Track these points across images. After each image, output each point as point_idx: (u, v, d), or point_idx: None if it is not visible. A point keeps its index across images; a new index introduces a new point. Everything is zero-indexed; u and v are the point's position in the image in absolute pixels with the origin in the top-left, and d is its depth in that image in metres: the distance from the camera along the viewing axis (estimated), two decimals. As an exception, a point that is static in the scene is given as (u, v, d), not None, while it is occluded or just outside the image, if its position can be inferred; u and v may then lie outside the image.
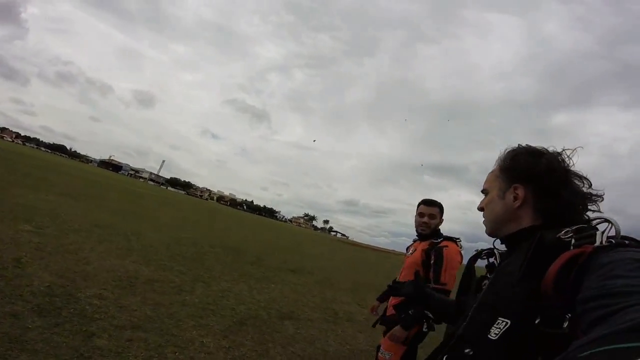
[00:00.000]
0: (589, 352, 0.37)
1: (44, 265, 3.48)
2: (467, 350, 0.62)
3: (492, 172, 0.91)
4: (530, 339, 0.58)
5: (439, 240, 2.11)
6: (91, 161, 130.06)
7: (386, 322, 2.13)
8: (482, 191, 0.93)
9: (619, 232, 0.60)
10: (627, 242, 0.59)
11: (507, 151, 0.88)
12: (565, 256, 0.58)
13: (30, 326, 2.26)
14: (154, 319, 2.97)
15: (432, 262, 2.01)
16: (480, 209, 0.94)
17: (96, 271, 3.84)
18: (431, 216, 2.17)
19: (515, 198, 0.80)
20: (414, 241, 2.31)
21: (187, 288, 4.22)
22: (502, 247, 0.95)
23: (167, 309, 3.29)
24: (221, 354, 2.70)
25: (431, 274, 2.00)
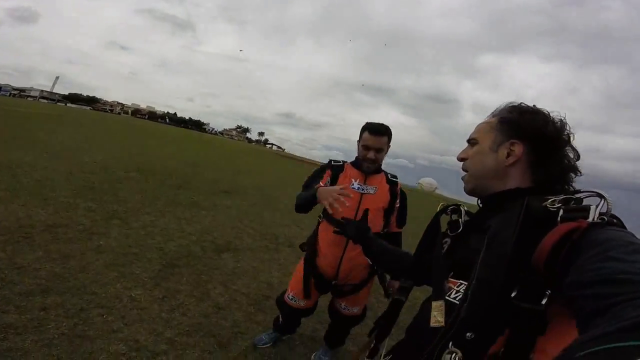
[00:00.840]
0: (590, 349, 0.37)
1: None
2: (468, 334, 0.59)
3: (486, 122, 0.87)
4: (502, 311, 0.57)
5: (394, 178, 1.89)
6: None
7: None
8: (469, 140, 0.88)
9: (611, 209, 0.58)
10: (615, 220, 0.58)
11: (510, 105, 0.84)
12: (562, 229, 0.55)
13: None
14: (66, 277, 2.61)
15: (397, 205, 1.87)
16: (461, 159, 0.89)
17: (-27, 225, 3.15)
18: (379, 151, 1.78)
19: (509, 154, 0.78)
20: (359, 170, 1.85)
21: (100, 230, 3.76)
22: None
23: (78, 261, 2.91)
24: (156, 306, 2.53)
25: (394, 218, 1.89)
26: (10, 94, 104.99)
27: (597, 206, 0.58)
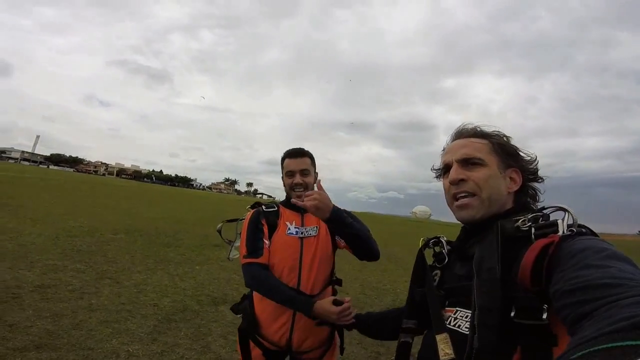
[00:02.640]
0: (587, 350, 0.38)
1: None
2: None
3: (478, 142, 0.84)
4: (508, 331, 0.60)
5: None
6: None
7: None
8: (466, 160, 0.83)
9: (577, 221, 0.64)
10: (583, 230, 0.64)
11: (497, 131, 0.87)
12: (538, 246, 0.60)
13: None
14: (59, 334, 2.62)
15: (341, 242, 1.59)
16: (459, 180, 0.82)
17: (-41, 289, 3.15)
18: (304, 173, 1.60)
19: (511, 182, 0.82)
20: (293, 210, 1.62)
21: (90, 289, 3.78)
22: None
23: (71, 319, 2.91)
24: (155, 360, 2.52)
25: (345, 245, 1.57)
26: None
27: (563, 220, 0.64)
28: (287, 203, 1.65)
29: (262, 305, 1.53)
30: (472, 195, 0.80)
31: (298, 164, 1.60)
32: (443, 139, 0.97)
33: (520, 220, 0.68)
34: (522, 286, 0.60)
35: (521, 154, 0.84)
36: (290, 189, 1.60)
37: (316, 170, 1.67)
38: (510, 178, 0.82)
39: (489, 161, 0.81)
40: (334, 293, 1.63)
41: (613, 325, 0.39)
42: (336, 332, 1.63)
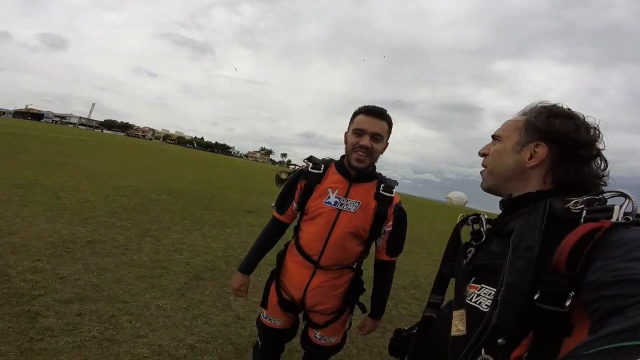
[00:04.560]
0: (595, 349, 0.36)
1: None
2: (500, 340, 0.58)
3: (513, 120, 0.86)
4: (526, 314, 0.56)
5: (388, 191, 1.45)
6: (3, 113, 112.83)
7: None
8: (493, 136, 0.88)
9: (636, 209, 0.57)
10: None
11: (541, 106, 0.82)
12: (583, 229, 0.54)
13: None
14: (101, 287, 2.88)
15: (387, 228, 1.48)
16: (483, 154, 0.89)
17: (24, 241, 3.53)
18: (376, 137, 1.38)
19: (532, 156, 0.77)
20: (344, 175, 1.47)
21: (133, 246, 4.08)
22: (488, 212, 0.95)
23: (113, 274, 3.19)
24: (180, 315, 2.72)
25: (384, 242, 1.51)
26: (53, 120, 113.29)
27: (621, 206, 0.58)
28: (340, 165, 1.48)
29: (291, 257, 1.58)
30: (485, 167, 0.87)
31: (373, 124, 1.36)
32: (489, 123, 0.93)
33: (573, 202, 0.63)
34: (555, 269, 0.55)
35: (555, 127, 0.75)
36: (352, 149, 1.39)
37: (388, 140, 1.47)
38: (533, 152, 0.77)
39: (506, 137, 0.83)
40: (355, 280, 1.58)
41: (624, 324, 0.37)
42: (349, 306, 1.63)
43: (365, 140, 1.36)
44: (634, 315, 0.38)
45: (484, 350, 0.59)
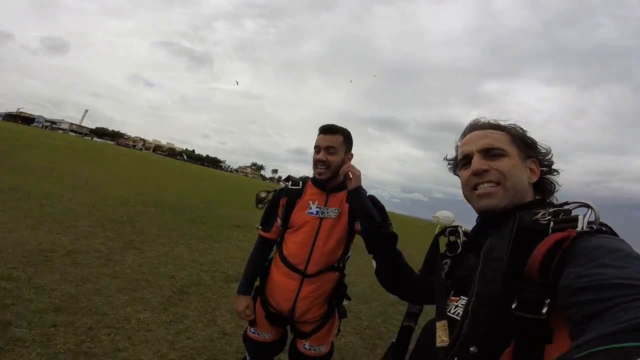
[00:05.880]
0: (587, 351, 0.37)
1: None
2: (472, 349, 0.59)
3: (497, 133, 0.82)
4: (505, 324, 0.58)
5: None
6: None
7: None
8: (488, 150, 0.80)
9: (599, 218, 0.61)
10: (604, 228, 0.61)
11: (517, 124, 0.85)
12: (551, 239, 0.57)
13: None
14: (79, 298, 2.76)
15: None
16: (483, 171, 0.79)
17: (0, 247, 3.39)
18: (330, 151, 1.53)
19: (531, 172, 0.81)
20: (320, 188, 1.61)
21: (116, 257, 3.96)
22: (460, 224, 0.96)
23: (93, 285, 3.06)
24: (162, 329, 2.62)
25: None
26: (43, 125, 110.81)
27: (584, 216, 0.61)
28: (315, 180, 1.64)
29: (277, 269, 1.63)
30: (497, 184, 0.79)
31: (326, 140, 1.55)
32: None
33: (541, 213, 0.65)
34: (528, 277, 0.58)
35: (538, 146, 0.83)
36: (314, 164, 1.58)
37: (351, 152, 1.62)
38: (530, 169, 0.81)
39: (510, 152, 0.80)
40: (340, 280, 1.66)
41: (615, 326, 0.38)
42: (336, 311, 1.68)
43: (321, 155, 1.54)
44: (616, 318, 0.40)
45: (457, 359, 0.60)
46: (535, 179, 0.80)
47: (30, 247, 3.60)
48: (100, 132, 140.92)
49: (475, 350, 0.59)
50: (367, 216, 1.29)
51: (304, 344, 1.67)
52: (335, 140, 1.55)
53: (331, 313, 1.67)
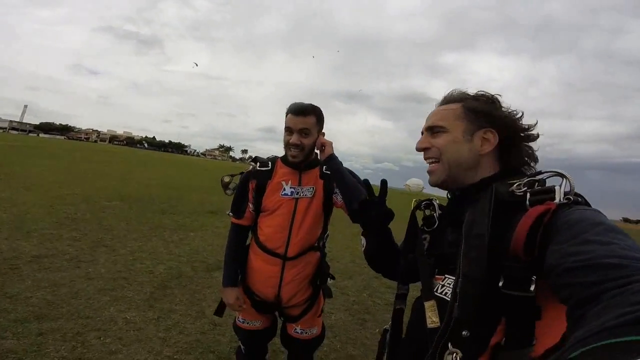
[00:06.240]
0: (585, 348, 0.36)
1: None
2: (464, 333, 0.60)
3: (447, 108, 0.83)
4: (493, 302, 0.58)
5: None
6: None
7: None
8: (432, 128, 0.83)
9: (574, 188, 0.61)
10: (579, 199, 0.61)
11: (479, 93, 0.83)
12: (533, 214, 0.57)
13: None
14: (58, 304, 2.67)
15: (336, 198, 1.55)
16: (424, 148, 0.85)
17: (-44, 260, 3.16)
18: (303, 132, 1.47)
19: (483, 143, 0.78)
20: (292, 167, 1.55)
21: (86, 258, 3.81)
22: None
23: (69, 289, 2.96)
24: (152, 327, 2.60)
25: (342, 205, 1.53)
26: None
27: (560, 186, 0.61)
28: (286, 159, 1.56)
29: (255, 256, 1.57)
30: (437, 160, 0.82)
31: (298, 122, 1.46)
32: None
33: (515, 185, 0.66)
34: (514, 255, 0.57)
35: (498, 113, 0.80)
36: (286, 146, 1.50)
37: (322, 130, 1.55)
38: (483, 139, 0.78)
39: (451, 127, 0.80)
40: (322, 260, 1.63)
41: (617, 319, 0.37)
42: (321, 292, 1.65)
43: (294, 138, 1.47)
44: (610, 307, 0.39)
45: (451, 344, 0.61)
46: (489, 148, 0.78)
47: (-10, 257, 3.37)
48: (47, 128, 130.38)
49: (468, 334, 0.60)
50: (355, 189, 1.35)
51: (295, 329, 1.66)
52: (308, 122, 1.47)
53: (317, 294, 1.65)
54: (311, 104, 1.51)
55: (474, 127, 0.79)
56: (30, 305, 2.57)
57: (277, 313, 1.72)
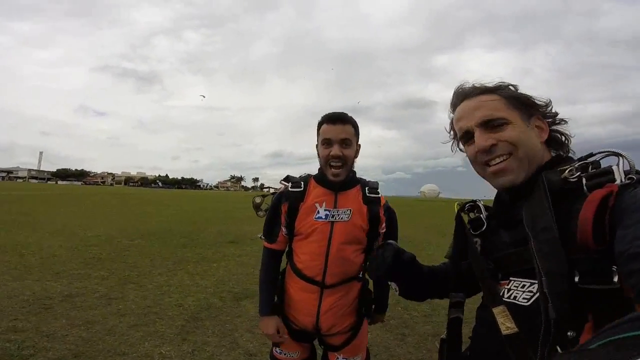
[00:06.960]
0: (605, 340, 0.32)
1: None
2: (570, 333, 0.54)
3: (492, 99, 0.75)
4: (578, 299, 0.53)
5: (374, 192, 1.44)
6: None
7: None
8: (487, 122, 0.74)
9: (634, 166, 0.56)
10: None
11: (503, 83, 0.78)
12: (595, 198, 0.52)
13: None
14: (94, 341, 2.68)
15: (381, 230, 1.44)
16: (488, 147, 0.73)
17: (-5, 302, 3.24)
18: (345, 143, 1.35)
19: (540, 131, 0.74)
20: (327, 187, 1.41)
21: (116, 295, 3.85)
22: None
23: (102, 326, 2.97)
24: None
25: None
26: None
27: (618, 166, 0.56)
28: (320, 178, 1.43)
29: (293, 284, 1.46)
30: (509, 155, 0.72)
31: (338, 131, 1.33)
32: (442, 116, 0.90)
33: (567, 170, 0.61)
34: (583, 246, 0.52)
35: (536, 100, 0.76)
36: (325, 162, 1.36)
37: (359, 142, 1.43)
38: (537, 127, 0.74)
39: (511, 117, 0.73)
40: (364, 288, 1.50)
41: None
42: (364, 317, 1.53)
43: (335, 150, 1.33)
44: None
45: (560, 348, 0.55)
46: (546, 136, 0.74)
47: (24, 297, 3.47)
48: (63, 174, 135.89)
49: (574, 335, 0.53)
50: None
51: (337, 357, 1.51)
52: (348, 131, 1.34)
53: (361, 321, 1.52)
54: (346, 113, 1.39)
55: (527, 115, 0.74)
56: (67, 343, 2.60)
57: (317, 340, 1.58)
